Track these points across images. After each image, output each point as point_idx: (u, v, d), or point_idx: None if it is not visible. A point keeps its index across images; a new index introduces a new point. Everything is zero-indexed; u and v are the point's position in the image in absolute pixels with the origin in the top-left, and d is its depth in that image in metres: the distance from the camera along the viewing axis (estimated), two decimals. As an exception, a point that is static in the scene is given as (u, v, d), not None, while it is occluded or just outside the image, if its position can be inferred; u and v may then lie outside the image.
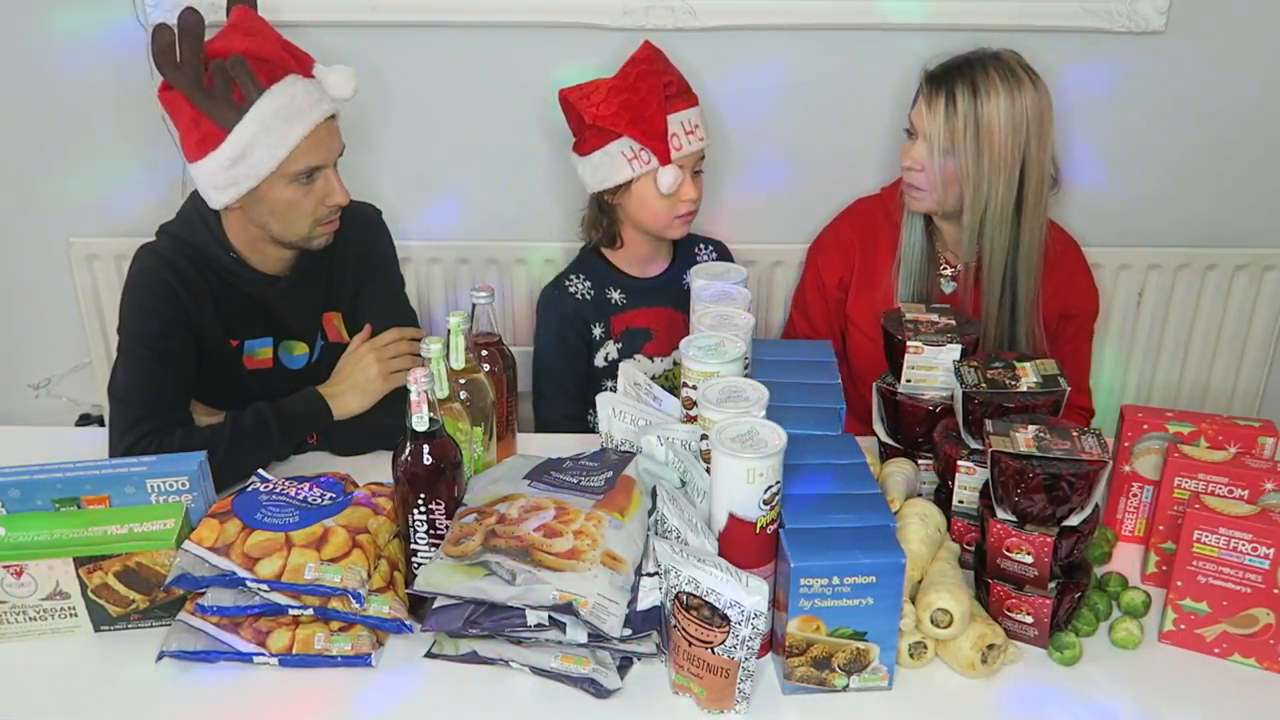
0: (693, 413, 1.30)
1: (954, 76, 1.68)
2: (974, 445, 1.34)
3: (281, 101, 1.49)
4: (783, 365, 1.45)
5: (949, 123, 1.67)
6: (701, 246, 2.04)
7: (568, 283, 1.95)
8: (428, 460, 1.22)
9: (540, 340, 1.97)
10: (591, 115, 1.80)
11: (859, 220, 1.92)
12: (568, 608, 1.14)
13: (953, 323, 1.45)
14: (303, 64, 1.55)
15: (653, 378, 1.45)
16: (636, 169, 1.81)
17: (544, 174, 2.13)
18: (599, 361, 1.96)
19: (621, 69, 1.83)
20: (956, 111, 1.66)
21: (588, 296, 1.94)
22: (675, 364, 1.97)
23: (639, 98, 1.78)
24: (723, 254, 2.06)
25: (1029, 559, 1.22)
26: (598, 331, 1.95)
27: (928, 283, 1.83)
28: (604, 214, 1.92)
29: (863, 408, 1.63)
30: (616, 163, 1.81)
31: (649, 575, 1.20)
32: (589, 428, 1.91)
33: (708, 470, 1.21)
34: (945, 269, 1.84)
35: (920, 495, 1.41)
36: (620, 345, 1.96)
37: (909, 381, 1.44)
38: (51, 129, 2.14)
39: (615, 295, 1.95)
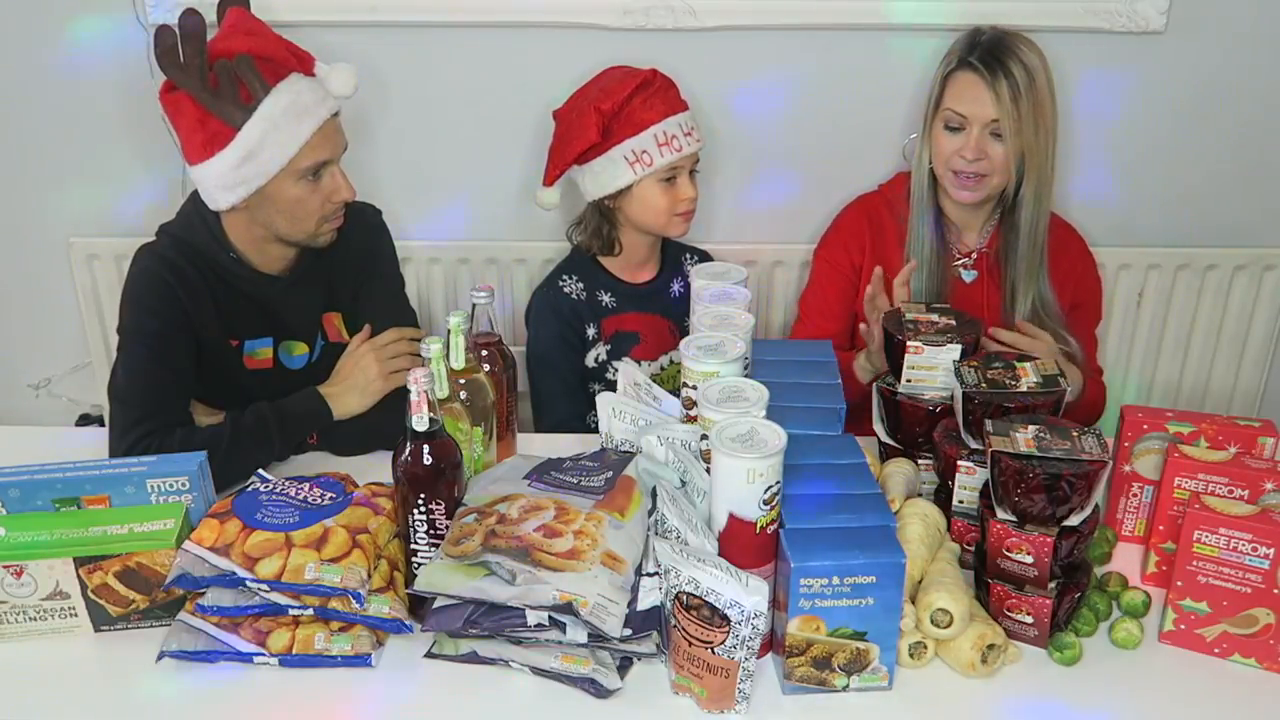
0: (693, 413, 1.30)
1: (1002, 58, 1.67)
2: (974, 445, 1.34)
3: (289, 99, 1.49)
4: (783, 365, 1.45)
5: (1015, 103, 1.65)
6: (688, 255, 2.05)
7: (561, 283, 1.95)
8: (428, 460, 1.22)
9: (538, 341, 1.96)
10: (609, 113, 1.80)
11: (864, 214, 1.89)
12: (568, 608, 1.14)
13: (953, 323, 1.45)
14: (304, 63, 1.56)
15: (639, 382, 1.46)
16: (639, 171, 1.82)
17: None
18: (589, 362, 1.96)
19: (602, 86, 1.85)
20: (1020, 90, 1.65)
21: (581, 297, 1.95)
22: (662, 369, 1.98)
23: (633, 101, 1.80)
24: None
25: (1029, 559, 1.22)
26: (591, 332, 1.95)
27: (943, 274, 1.81)
28: (604, 220, 1.92)
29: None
30: (618, 167, 1.82)
31: (649, 575, 1.20)
32: (589, 427, 1.91)
33: (708, 470, 1.21)
34: (959, 259, 1.83)
35: (920, 495, 1.41)
36: (610, 348, 1.96)
37: (909, 381, 1.44)
38: (52, 129, 2.14)
39: (606, 298, 1.96)
